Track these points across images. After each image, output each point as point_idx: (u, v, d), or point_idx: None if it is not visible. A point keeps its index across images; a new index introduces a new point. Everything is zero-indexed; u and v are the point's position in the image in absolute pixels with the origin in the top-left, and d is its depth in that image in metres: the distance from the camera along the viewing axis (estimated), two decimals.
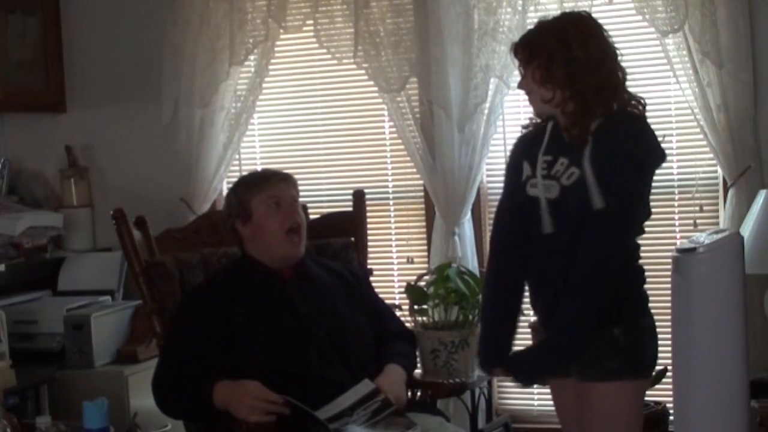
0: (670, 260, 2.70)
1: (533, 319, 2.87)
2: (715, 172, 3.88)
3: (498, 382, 4.21)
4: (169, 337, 3.09)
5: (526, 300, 2.77)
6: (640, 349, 2.61)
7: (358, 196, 3.52)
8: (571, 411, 2.73)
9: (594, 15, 2.73)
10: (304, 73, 4.41)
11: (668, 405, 3.50)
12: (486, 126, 4.01)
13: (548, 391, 2.95)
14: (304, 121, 4.43)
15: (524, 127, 2.78)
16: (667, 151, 2.64)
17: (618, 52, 2.64)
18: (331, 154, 4.40)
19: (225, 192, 4.43)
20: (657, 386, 3.44)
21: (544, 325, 2.72)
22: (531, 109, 2.73)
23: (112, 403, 3.13)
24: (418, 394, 3.21)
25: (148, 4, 4.47)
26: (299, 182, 3.18)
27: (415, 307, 3.80)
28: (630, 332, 2.58)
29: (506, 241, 2.72)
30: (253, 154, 4.51)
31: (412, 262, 4.27)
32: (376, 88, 4.14)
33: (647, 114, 2.66)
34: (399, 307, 3.95)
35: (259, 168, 4.38)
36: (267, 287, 3.05)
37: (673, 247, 2.78)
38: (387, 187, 4.34)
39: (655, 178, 2.64)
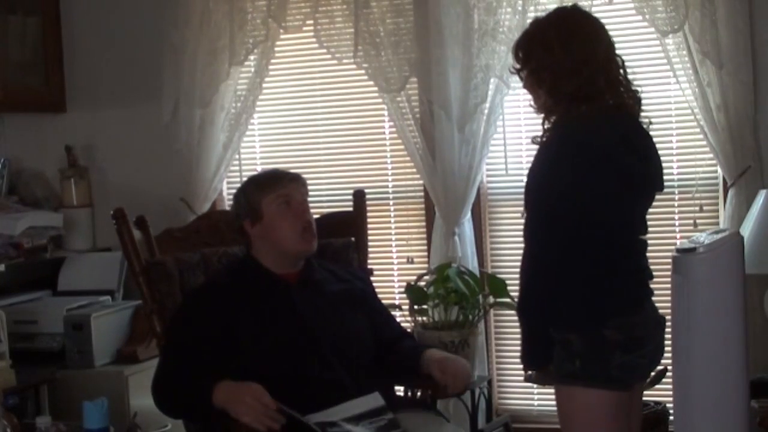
0: (670, 260, 2.70)
1: None
2: (715, 172, 3.88)
3: (498, 382, 4.21)
4: (169, 338, 3.08)
5: None
6: (599, 359, 2.49)
7: (359, 196, 3.51)
8: None
9: (594, 15, 2.71)
10: (304, 73, 4.41)
11: (668, 405, 3.50)
12: (486, 126, 4.01)
13: (548, 391, 2.94)
14: (304, 121, 4.43)
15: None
16: (667, 151, 2.63)
17: (618, 55, 2.61)
18: (331, 154, 4.41)
19: (225, 192, 4.46)
20: (657, 386, 3.44)
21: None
22: (531, 109, 2.72)
23: (112, 403, 3.14)
24: (418, 394, 3.21)
25: (148, 4, 4.47)
26: None
27: (415, 307, 3.81)
28: (588, 340, 2.49)
29: None
30: (253, 154, 4.51)
31: (412, 262, 4.26)
32: (376, 88, 4.15)
33: (647, 114, 2.65)
34: (399, 307, 3.95)
35: (259, 168, 4.39)
36: (270, 290, 3.04)
37: (673, 247, 2.78)
38: (387, 187, 4.34)
39: None
